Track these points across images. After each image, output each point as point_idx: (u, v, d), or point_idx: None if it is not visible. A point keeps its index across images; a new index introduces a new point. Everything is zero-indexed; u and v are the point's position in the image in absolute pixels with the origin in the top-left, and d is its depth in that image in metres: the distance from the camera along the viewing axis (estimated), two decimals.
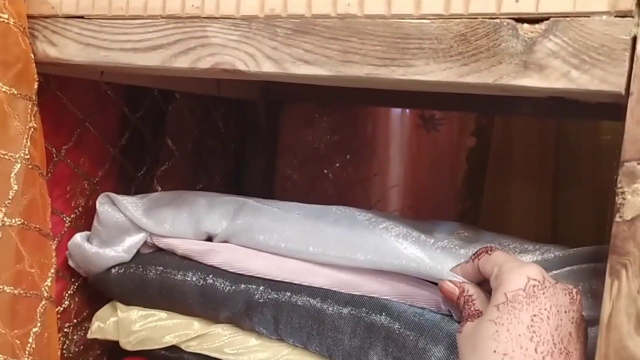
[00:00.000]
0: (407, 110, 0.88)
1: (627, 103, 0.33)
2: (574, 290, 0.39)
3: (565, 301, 0.38)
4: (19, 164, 0.45)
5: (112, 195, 0.60)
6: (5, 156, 0.45)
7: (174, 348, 0.56)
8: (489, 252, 0.43)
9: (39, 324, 0.46)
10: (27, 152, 0.45)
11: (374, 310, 0.49)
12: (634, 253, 0.34)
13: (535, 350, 0.36)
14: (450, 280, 0.45)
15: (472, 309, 0.42)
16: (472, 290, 0.43)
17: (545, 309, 0.37)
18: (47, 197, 0.48)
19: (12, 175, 0.45)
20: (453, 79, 0.36)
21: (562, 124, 0.79)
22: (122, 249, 0.60)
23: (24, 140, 0.45)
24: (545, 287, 0.38)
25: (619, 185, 0.34)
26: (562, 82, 0.34)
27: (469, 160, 0.84)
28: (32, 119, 0.46)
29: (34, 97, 0.46)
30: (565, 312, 0.38)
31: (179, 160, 0.77)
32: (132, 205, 0.60)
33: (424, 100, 0.80)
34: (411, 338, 0.46)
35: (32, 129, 0.46)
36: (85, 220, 0.65)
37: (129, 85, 0.69)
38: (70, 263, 0.62)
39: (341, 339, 0.49)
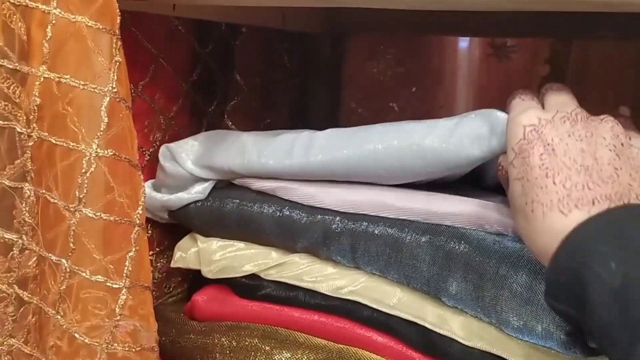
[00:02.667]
0: (477, 39, 0.85)
1: None
2: (573, 112, 0.40)
3: (566, 127, 0.38)
4: (108, 97, 0.46)
5: (172, 148, 0.61)
6: (95, 90, 0.46)
7: (253, 276, 0.58)
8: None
9: (134, 249, 0.48)
10: (114, 86, 0.47)
11: (452, 238, 0.49)
12: None
13: (554, 182, 0.36)
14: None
15: (503, 173, 0.43)
16: (501, 157, 0.45)
17: (548, 144, 0.38)
18: (134, 130, 0.49)
19: (102, 108, 0.46)
20: None
21: None
22: (195, 191, 0.62)
23: (111, 74, 0.46)
24: (542, 126, 0.39)
25: None
26: None
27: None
28: (117, 52, 0.47)
29: (117, 31, 0.47)
30: (569, 135, 0.38)
31: (248, 95, 0.78)
32: (190, 155, 0.61)
33: (495, 27, 0.77)
34: (491, 265, 0.46)
35: (118, 63, 0.47)
36: None
37: (197, 20, 0.70)
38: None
39: (419, 267, 0.50)
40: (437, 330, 0.49)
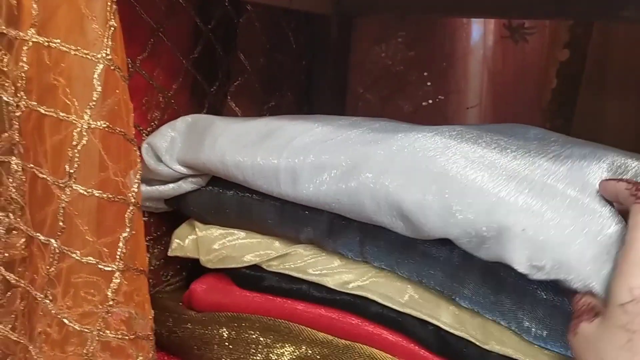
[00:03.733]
0: (492, 21, 0.81)
1: None
2: None
3: None
4: (101, 65, 0.43)
5: (155, 146, 0.58)
6: (87, 56, 0.43)
7: (255, 267, 0.55)
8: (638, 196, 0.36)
9: (127, 229, 0.45)
10: (108, 52, 0.43)
11: None
12: None
13: None
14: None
15: (584, 306, 0.36)
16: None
17: None
18: (130, 102, 0.46)
19: (95, 76, 0.43)
20: None
21: None
22: (193, 180, 0.58)
23: (105, 40, 0.43)
24: None
25: None
26: None
27: (559, 75, 0.77)
28: (112, 17, 0.43)
29: None
30: None
31: (251, 76, 0.74)
32: (174, 155, 0.57)
33: (512, 8, 0.73)
34: (508, 271, 0.42)
35: (112, 28, 0.43)
36: None
37: None
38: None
39: (433, 265, 0.46)
40: (452, 331, 0.45)
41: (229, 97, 0.71)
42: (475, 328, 0.45)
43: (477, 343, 0.45)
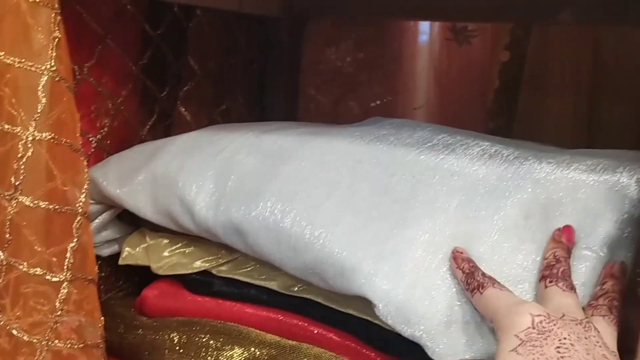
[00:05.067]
0: (437, 24, 0.83)
1: None
2: (584, 320, 0.37)
3: (579, 330, 0.36)
4: (46, 76, 0.43)
5: (94, 178, 0.57)
6: (32, 68, 0.43)
7: (205, 272, 0.56)
8: (480, 290, 0.40)
9: (75, 240, 0.45)
10: (52, 64, 0.43)
11: None
12: None
13: None
14: None
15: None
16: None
17: (565, 338, 0.36)
18: (76, 112, 0.46)
19: (40, 88, 0.43)
20: None
21: (601, 34, 0.75)
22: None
23: (49, 51, 0.43)
24: (553, 320, 0.36)
25: None
26: None
27: (501, 76, 0.80)
28: (56, 28, 0.44)
29: (56, 6, 0.44)
30: (586, 338, 0.36)
31: (202, 80, 0.74)
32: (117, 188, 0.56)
33: (455, 12, 0.76)
34: None
35: (57, 39, 0.44)
36: (111, 141, 0.64)
37: (149, 0, 0.66)
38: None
39: None
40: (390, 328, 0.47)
41: (179, 102, 0.72)
42: None
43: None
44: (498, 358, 0.37)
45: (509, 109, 0.81)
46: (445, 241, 0.43)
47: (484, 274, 0.41)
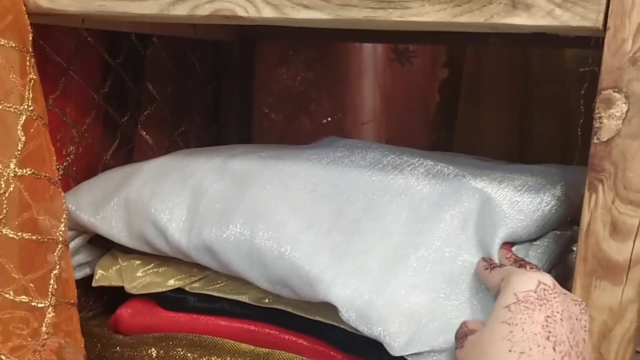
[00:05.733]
0: (380, 45, 0.90)
1: (604, 37, 0.37)
2: (583, 303, 0.39)
3: (575, 310, 0.38)
4: (24, 116, 0.46)
5: (69, 207, 0.58)
6: (10, 109, 0.46)
7: (178, 289, 0.59)
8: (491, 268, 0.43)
9: (58, 267, 0.48)
10: (29, 104, 0.46)
11: None
12: (609, 170, 0.39)
13: (554, 349, 0.36)
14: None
15: (466, 329, 0.42)
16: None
17: (558, 312, 0.37)
18: (51, 147, 0.49)
19: (19, 127, 0.46)
20: (447, 19, 0.38)
21: (530, 53, 0.83)
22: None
23: (27, 92, 0.46)
24: (557, 293, 0.38)
25: (596, 111, 0.38)
26: (547, 20, 0.37)
27: (441, 92, 0.88)
28: (31, 70, 0.47)
29: (29, 49, 0.47)
30: (577, 319, 0.38)
31: (161, 104, 0.78)
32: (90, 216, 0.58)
33: (396, 35, 0.82)
34: None
35: (32, 81, 0.47)
36: (77, 167, 0.67)
37: (107, 31, 0.69)
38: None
39: None
40: (355, 332, 0.51)
41: (139, 127, 0.75)
42: None
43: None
44: (492, 312, 0.39)
45: (449, 122, 0.88)
46: (396, 250, 0.49)
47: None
